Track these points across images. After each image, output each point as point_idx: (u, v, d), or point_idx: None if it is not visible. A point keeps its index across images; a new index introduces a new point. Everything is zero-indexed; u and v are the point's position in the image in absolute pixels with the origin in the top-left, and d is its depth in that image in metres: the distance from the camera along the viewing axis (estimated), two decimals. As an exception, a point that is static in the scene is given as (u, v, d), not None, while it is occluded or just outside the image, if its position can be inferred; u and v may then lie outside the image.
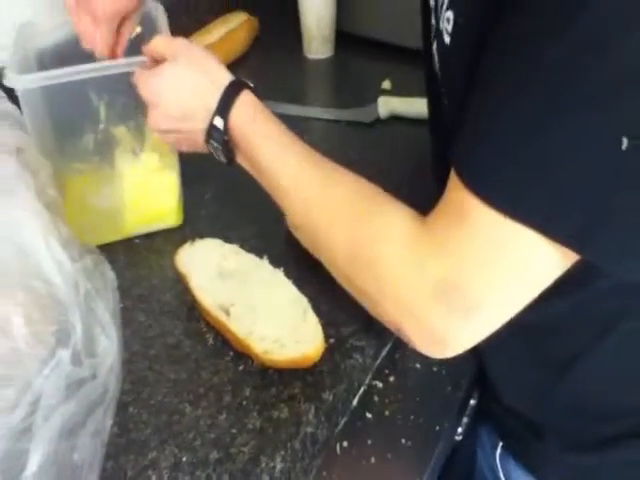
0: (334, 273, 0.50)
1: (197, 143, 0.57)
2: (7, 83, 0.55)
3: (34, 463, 0.43)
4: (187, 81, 0.55)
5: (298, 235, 0.59)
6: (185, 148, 0.60)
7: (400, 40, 0.99)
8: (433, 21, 0.52)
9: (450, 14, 0.45)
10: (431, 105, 0.61)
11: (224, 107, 0.53)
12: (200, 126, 0.55)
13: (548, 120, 0.37)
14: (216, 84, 0.54)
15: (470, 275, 0.41)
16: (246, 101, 0.54)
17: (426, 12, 0.55)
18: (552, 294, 0.47)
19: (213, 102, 0.54)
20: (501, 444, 0.63)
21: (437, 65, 0.51)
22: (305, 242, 0.56)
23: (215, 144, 0.55)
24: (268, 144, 0.53)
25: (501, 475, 0.63)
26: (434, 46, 0.52)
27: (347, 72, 1.03)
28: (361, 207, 0.48)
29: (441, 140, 0.57)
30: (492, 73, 0.40)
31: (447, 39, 0.46)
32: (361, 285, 0.47)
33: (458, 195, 0.41)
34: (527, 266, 0.41)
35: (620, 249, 0.39)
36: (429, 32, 0.54)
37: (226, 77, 0.55)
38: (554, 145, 0.37)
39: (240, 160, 0.56)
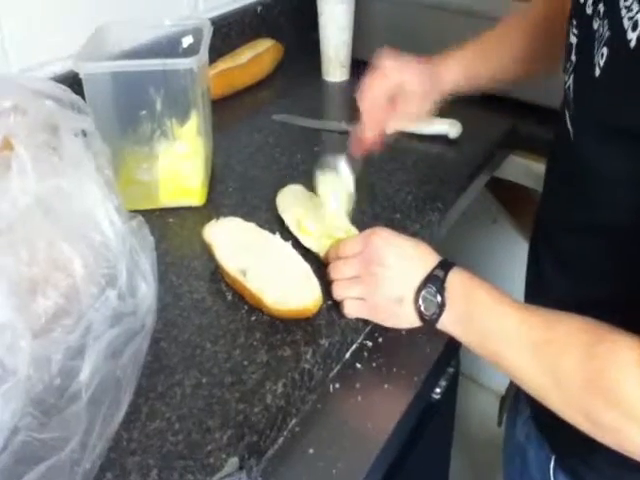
0: (566, 408, 0.51)
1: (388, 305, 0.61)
2: (75, 69, 0.69)
3: (85, 372, 0.53)
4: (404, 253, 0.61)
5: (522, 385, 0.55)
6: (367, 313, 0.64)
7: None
8: (573, 57, 0.56)
9: (605, 50, 0.49)
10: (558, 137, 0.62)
11: (446, 263, 0.60)
12: (415, 283, 0.59)
13: None
14: (428, 254, 0.61)
15: None
16: (460, 270, 0.59)
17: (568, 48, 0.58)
18: None
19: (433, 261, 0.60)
20: (554, 457, 0.65)
21: (571, 98, 0.55)
22: (533, 386, 0.53)
23: (430, 293, 0.58)
24: (485, 298, 0.56)
25: None
26: (570, 80, 0.56)
27: (360, 94, 1.15)
28: (588, 337, 0.49)
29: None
30: None
31: (597, 72, 0.49)
32: (598, 414, 0.48)
33: None
34: None
35: None
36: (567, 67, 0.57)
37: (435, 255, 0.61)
38: None
39: (450, 316, 0.58)
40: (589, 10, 0.53)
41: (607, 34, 0.49)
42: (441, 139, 0.96)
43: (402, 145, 0.96)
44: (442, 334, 0.68)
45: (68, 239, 0.57)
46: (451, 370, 0.73)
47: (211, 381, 0.57)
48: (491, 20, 0.99)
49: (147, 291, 0.60)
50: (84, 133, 0.62)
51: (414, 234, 0.77)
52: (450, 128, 0.95)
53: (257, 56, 1.12)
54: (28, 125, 0.59)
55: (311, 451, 0.56)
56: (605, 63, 0.49)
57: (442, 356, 0.68)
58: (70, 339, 0.54)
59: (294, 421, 0.59)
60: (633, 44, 0.45)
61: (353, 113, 1.10)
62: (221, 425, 0.53)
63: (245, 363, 0.59)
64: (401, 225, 0.78)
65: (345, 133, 1.00)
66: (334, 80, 1.16)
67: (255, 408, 0.55)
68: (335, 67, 1.15)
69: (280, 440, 0.57)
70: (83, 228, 0.58)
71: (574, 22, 0.56)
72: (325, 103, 1.14)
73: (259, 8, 1.19)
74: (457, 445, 0.92)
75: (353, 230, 0.72)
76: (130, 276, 0.59)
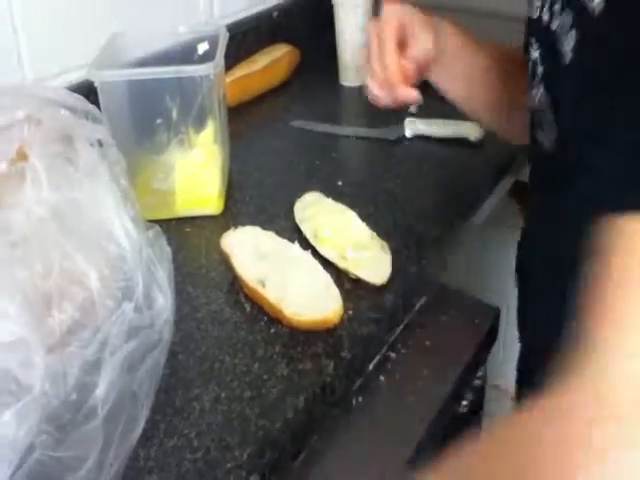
0: None
1: None
2: (90, 77, 0.69)
3: (102, 388, 0.51)
4: None
5: None
6: None
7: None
8: (539, 68, 0.54)
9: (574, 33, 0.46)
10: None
11: None
12: None
13: None
14: None
15: None
16: None
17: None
18: None
19: None
20: None
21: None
22: None
23: None
24: None
25: None
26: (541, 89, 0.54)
27: (378, 98, 1.13)
28: None
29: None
30: None
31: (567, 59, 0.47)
32: None
33: None
34: None
35: None
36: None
37: None
38: None
39: None
40: (546, 17, 0.52)
41: (570, 16, 0.46)
42: (462, 142, 0.94)
43: (421, 149, 0.94)
44: (467, 346, 0.66)
45: (83, 251, 0.56)
46: (478, 382, 0.71)
47: (230, 396, 0.55)
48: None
49: (164, 303, 0.58)
50: (99, 143, 0.61)
51: (436, 240, 0.75)
52: (471, 131, 0.93)
53: (273, 62, 1.11)
54: (43, 135, 0.58)
55: (334, 468, 0.55)
56: (575, 45, 0.46)
57: (468, 368, 0.66)
58: (86, 353, 0.53)
59: (316, 437, 0.57)
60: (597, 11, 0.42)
61: (370, 118, 1.09)
62: (241, 442, 0.51)
63: (265, 377, 0.57)
64: (423, 231, 0.76)
65: (362, 138, 0.98)
66: (351, 85, 1.14)
67: (276, 424, 0.53)
68: (352, 72, 1.13)
69: (302, 457, 0.55)
70: (99, 240, 0.57)
71: (532, 41, 0.55)
72: (343, 108, 1.13)
73: (275, 13, 1.18)
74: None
75: (375, 237, 0.70)
76: (147, 288, 0.58)
